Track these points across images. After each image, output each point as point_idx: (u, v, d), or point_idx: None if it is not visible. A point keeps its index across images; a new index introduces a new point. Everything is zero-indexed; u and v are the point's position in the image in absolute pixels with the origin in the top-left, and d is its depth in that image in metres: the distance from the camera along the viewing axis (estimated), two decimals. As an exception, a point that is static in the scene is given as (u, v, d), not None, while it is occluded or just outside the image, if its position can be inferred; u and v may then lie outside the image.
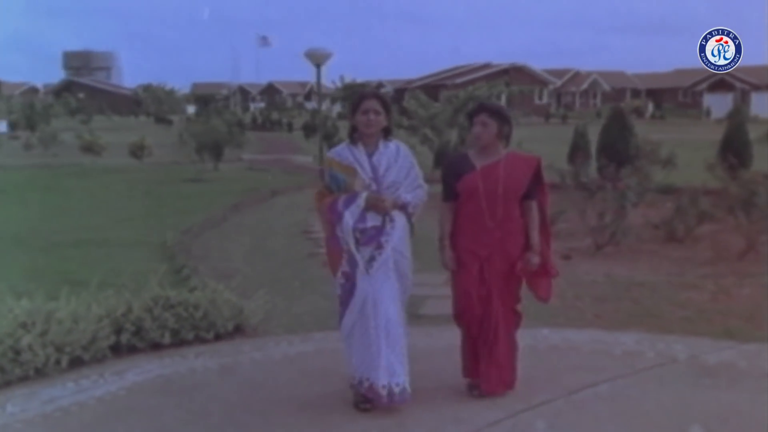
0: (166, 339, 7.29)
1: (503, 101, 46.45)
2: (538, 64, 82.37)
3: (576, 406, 5.76)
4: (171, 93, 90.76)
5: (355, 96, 5.92)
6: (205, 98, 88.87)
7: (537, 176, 5.86)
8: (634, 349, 7.05)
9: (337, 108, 71.77)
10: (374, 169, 5.67)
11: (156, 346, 7.29)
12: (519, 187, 5.75)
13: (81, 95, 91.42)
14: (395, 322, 5.66)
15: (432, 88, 54.92)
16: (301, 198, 18.15)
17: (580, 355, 6.93)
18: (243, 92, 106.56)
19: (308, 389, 6.20)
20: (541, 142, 21.12)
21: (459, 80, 64.64)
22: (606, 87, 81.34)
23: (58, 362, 6.70)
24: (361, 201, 5.58)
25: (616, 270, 10.58)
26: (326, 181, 5.78)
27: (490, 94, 23.38)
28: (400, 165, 5.72)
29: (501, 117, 5.78)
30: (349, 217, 5.57)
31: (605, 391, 6.05)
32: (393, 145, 5.80)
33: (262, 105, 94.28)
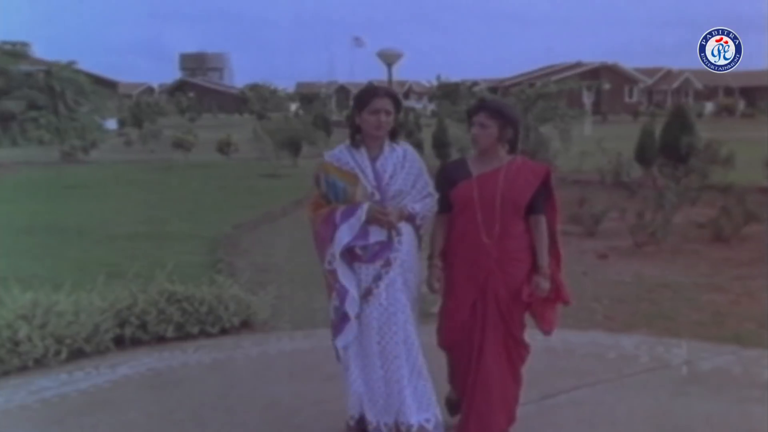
0: (170, 333, 7.20)
1: (586, 98, 45.72)
2: (632, 62, 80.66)
3: (543, 412, 5.43)
4: (275, 92, 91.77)
5: (362, 92, 4.83)
6: (308, 97, 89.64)
7: (545, 188, 4.84)
8: (631, 352, 6.65)
9: (431, 106, 71.39)
10: (378, 175, 4.75)
11: (161, 340, 7.20)
12: (521, 199, 4.74)
13: (191, 94, 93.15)
14: (413, 344, 4.75)
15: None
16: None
17: (571, 358, 6.56)
18: (344, 91, 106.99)
19: (285, 387, 6.00)
20: (623, 140, 20.41)
21: (550, 79, 63.58)
22: (698, 85, 78.99)
23: (57, 353, 6.66)
24: (362, 213, 4.62)
25: (649, 270, 10.10)
26: (322, 188, 4.81)
27: (560, 91, 22.72)
28: (407, 171, 4.81)
29: (503, 118, 4.76)
30: (345, 233, 4.63)
31: (580, 397, 5.70)
32: (399, 148, 4.85)
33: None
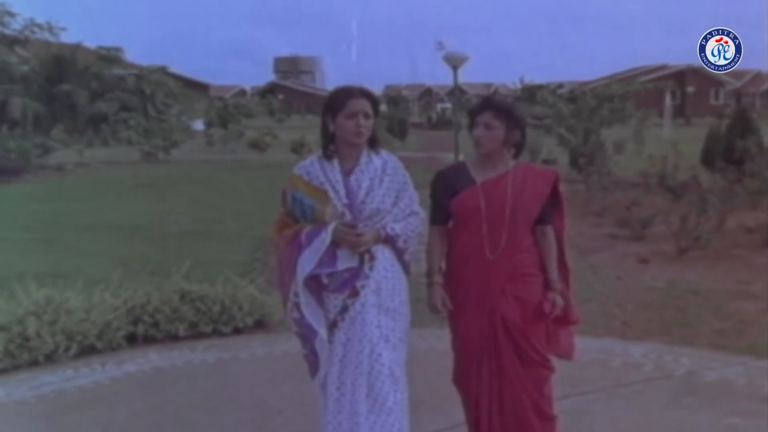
0: (182, 331, 7.18)
1: (668, 101, 44.57)
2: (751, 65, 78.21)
3: (523, 422, 5.22)
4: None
5: (335, 93, 4.12)
6: (395, 99, 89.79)
7: (554, 195, 4.28)
8: (637, 361, 6.37)
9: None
10: (351, 192, 4.02)
11: (174, 338, 7.18)
12: (533, 209, 4.17)
13: (281, 97, 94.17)
14: (381, 377, 4.04)
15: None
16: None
17: (573, 366, 6.16)
18: (432, 93, 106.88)
19: (276, 389, 5.90)
20: (702, 142, 19.79)
21: (643, 81, 62.39)
22: (790, 88, 76.37)
23: (67, 350, 6.69)
24: (326, 235, 3.91)
25: (687, 276, 9.71)
26: (288, 206, 4.11)
27: (626, 92, 22.13)
28: (387, 186, 4.07)
29: (510, 118, 4.17)
30: (308, 259, 3.94)
31: (567, 406, 5.38)
32: (378, 159, 4.10)
33: (448, 105, 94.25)
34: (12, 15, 40.74)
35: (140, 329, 7.10)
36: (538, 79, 74.23)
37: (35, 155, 25.16)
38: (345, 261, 3.97)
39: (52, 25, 41.98)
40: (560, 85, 75.87)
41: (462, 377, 4.32)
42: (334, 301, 4.03)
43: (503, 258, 4.13)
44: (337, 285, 4.00)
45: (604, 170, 15.92)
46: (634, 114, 22.62)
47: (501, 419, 4.21)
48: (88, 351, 6.79)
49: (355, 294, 3.99)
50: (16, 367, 6.48)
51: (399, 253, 4.09)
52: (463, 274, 4.22)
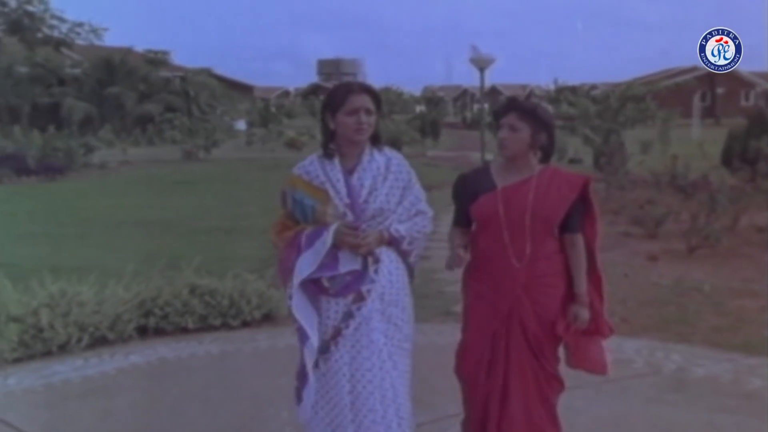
0: (191, 324, 7.21)
1: (697, 102, 43.94)
2: (753, 66, 77.12)
3: (503, 415, 5.16)
4: (401, 95, 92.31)
5: (334, 90, 3.86)
6: (433, 100, 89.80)
7: (584, 201, 3.96)
8: (629, 357, 6.27)
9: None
10: (352, 191, 3.75)
11: (183, 331, 7.21)
12: (554, 215, 3.89)
13: (322, 97, 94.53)
14: (389, 394, 3.78)
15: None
16: (444, 195, 17.76)
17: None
18: (468, 94, 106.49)
19: (271, 381, 5.86)
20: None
21: (665, 83, 61.69)
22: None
23: (79, 340, 6.75)
24: (328, 236, 3.65)
25: (694, 273, 9.56)
26: (288, 207, 3.86)
27: (647, 92, 21.82)
28: (390, 185, 3.80)
29: (536, 120, 3.88)
30: (307, 261, 3.67)
31: (550, 401, 5.40)
32: (381, 157, 3.84)
33: (485, 106, 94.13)
34: (63, 20, 41.30)
35: (151, 322, 7.15)
36: (573, 80, 73.71)
37: (80, 154, 25.46)
38: (347, 263, 3.69)
39: (95, 26, 42.46)
40: (593, 86, 75.27)
41: (467, 372, 4.07)
42: (336, 306, 3.73)
43: (527, 265, 3.88)
44: (339, 288, 3.71)
45: (622, 169, 15.71)
46: (657, 114, 22.31)
47: (506, 419, 3.97)
48: (100, 342, 6.85)
49: (360, 299, 3.70)
50: (31, 357, 6.55)
51: (404, 256, 3.83)
52: (483, 279, 3.97)
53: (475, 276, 4.02)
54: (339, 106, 3.74)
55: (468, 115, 70.10)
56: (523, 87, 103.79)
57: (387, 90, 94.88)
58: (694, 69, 69.95)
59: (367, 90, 3.78)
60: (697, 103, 42.83)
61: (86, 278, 7.32)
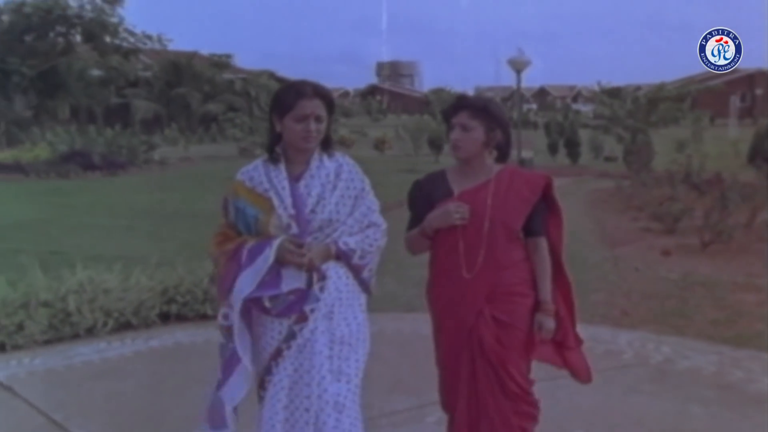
0: (211, 311, 7.25)
1: (735, 102, 42.96)
2: (796, 67, 75.01)
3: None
4: (452, 95, 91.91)
5: (283, 92, 3.37)
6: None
7: (547, 202, 3.56)
8: (619, 349, 6.17)
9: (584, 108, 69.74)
10: (298, 200, 3.27)
11: (204, 317, 7.26)
12: (515, 220, 3.45)
13: (379, 98, 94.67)
14: (331, 420, 3.26)
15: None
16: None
17: None
18: (517, 95, 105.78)
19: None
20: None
21: (708, 84, 60.48)
22: None
23: (105, 325, 6.85)
24: (270, 252, 3.17)
25: (702, 268, 9.35)
26: (230, 216, 3.38)
27: (678, 95, 21.40)
28: (341, 194, 3.32)
29: (489, 117, 3.44)
30: (247, 280, 3.19)
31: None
32: (331, 163, 3.37)
33: (534, 107, 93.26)
34: (133, 34, 42.06)
35: (173, 308, 7.21)
36: (618, 81, 72.66)
37: (142, 151, 25.83)
38: (290, 281, 3.21)
39: (161, 36, 43.16)
40: (638, 87, 74.23)
41: (445, 399, 3.68)
42: (279, 327, 3.27)
43: (481, 276, 3.42)
44: (281, 309, 3.23)
45: (646, 168, 15.45)
46: (688, 115, 21.90)
47: None
48: (124, 327, 6.93)
49: (303, 319, 3.23)
50: (59, 339, 6.65)
51: (355, 271, 3.33)
52: (440, 293, 3.56)
53: (436, 293, 3.58)
54: (287, 109, 3.28)
55: (515, 115, 69.49)
56: (571, 88, 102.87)
57: (440, 90, 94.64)
58: (733, 71, 68.73)
59: (320, 94, 3.31)
60: (734, 103, 41.94)
61: (128, 267, 7.44)
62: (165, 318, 7.19)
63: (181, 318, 7.23)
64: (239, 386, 3.37)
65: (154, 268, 7.48)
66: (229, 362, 3.37)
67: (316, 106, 3.26)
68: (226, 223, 3.40)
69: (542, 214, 3.53)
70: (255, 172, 3.34)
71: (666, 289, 8.29)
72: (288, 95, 3.29)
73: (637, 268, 9.37)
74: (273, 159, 3.33)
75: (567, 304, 3.63)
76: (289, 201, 3.25)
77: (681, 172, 12.60)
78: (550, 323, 3.50)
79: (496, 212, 3.41)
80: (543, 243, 3.53)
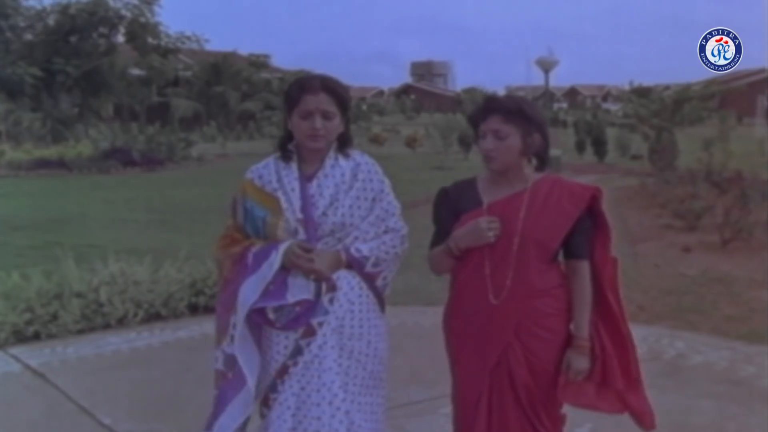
0: (237, 303, 7.31)
1: (762, 102, 42.33)
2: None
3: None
4: (484, 95, 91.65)
5: (291, 86, 3.05)
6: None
7: (594, 219, 2.97)
8: (633, 343, 6.12)
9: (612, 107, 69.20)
10: (308, 202, 2.96)
11: (231, 308, 7.32)
12: (551, 237, 2.90)
13: (413, 97, 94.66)
14: None
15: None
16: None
17: None
18: (550, 94, 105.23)
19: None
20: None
21: (734, 84, 59.66)
22: None
23: (135, 315, 6.93)
24: (275, 259, 2.87)
25: (722, 265, 9.24)
26: (239, 217, 3.08)
27: (703, 95, 21.13)
28: (355, 196, 2.99)
29: (525, 120, 2.89)
30: (251, 288, 2.90)
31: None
32: (347, 163, 3.04)
33: (564, 105, 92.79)
34: (168, 36, 42.48)
35: (201, 300, 7.28)
36: (649, 81, 71.98)
37: (180, 148, 26.04)
38: (297, 292, 2.88)
39: (198, 36, 43.53)
40: (667, 87, 73.41)
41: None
42: (285, 341, 2.95)
43: (509, 303, 2.89)
44: (286, 321, 2.91)
45: (670, 166, 15.30)
46: (713, 115, 21.63)
47: None
48: (154, 318, 7.01)
49: (310, 333, 2.90)
50: (92, 329, 6.74)
51: (369, 280, 2.98)
52: (460, 322, 3.03)
53: (455, 316, 3.07)
54: (293, 105, 2.97)
55: (546, 113, 69.30)
56: (601, 87, 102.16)
57: (473, 90, 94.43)
58: (762, 70, 67.65)
59: (329, 89, 2.95)
60: (761, 103, 41.30)
61: (158, 260, 7.52)
62: (193, 309, 7.26)
63: (208, 310, 7.26)
64: (237, 413, 3.03)
65: (183, 261, 7.53)
66: (234, 384, 3.03)
67: (322, 102, 2.93)
68: (234, 224, 3.11)
69: (587, 233, 2.96)
70: (265, 170, 3.06)
71: (684, 285, 8.21)
72: (293, 89, 3.00)
73: (657, 265, 9.28)
74: (285, 157, 3.05)
75: (614, 340, 3.02)
76: (297, 204, 2.95)
77: (703, 170, 12.44)
78: (580, 362, 2.94)
79: (529, 228, 2.88)
80: (584, 267, 2.95)
